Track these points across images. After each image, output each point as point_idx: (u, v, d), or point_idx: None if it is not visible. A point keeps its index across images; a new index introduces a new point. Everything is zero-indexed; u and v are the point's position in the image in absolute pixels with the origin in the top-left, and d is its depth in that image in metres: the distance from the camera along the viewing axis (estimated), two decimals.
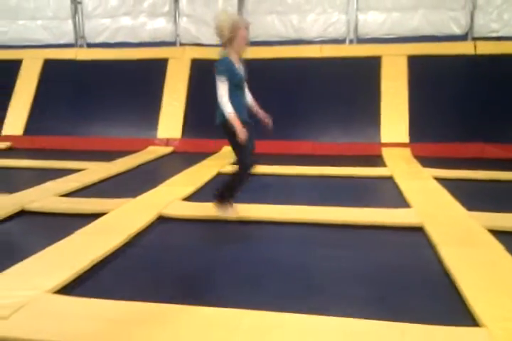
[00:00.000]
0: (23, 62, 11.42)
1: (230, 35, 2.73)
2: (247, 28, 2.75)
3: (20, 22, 11.93)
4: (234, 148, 2.84)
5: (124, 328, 2.73)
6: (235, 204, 2.88)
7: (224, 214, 2.82)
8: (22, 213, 5.20)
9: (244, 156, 2.81)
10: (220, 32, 2.73)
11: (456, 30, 10.30)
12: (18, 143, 10.27)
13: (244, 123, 2.86)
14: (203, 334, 2.67)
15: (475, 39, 10.14)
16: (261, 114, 2.95)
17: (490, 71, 9.39)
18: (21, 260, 3.65)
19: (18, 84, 11.18)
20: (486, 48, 9.80)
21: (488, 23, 10.17)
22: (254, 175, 2.83)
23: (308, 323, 2.77)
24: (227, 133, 2.84)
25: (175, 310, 2.92)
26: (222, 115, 2.79)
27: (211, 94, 10.32)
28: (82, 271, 3.54)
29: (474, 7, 10.14)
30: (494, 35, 10.17)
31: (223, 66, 2.74)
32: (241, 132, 2.70)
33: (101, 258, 3.80)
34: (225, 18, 2.71)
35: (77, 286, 3.36)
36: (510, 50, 9.61)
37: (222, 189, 2.83)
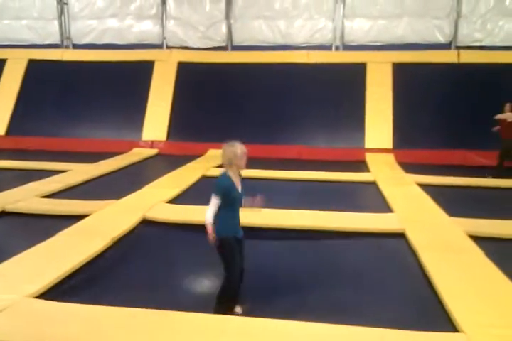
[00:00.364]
0: (7, 62, 11.30)
1: (231, 160, 3.05)
2: (245, 154, 3.07)
3: (5, 21, 11.82)
4: (224, 262, 3.03)
5: (105, 333, 2.71)
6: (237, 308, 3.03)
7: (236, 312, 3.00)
8: (3, 214, 5.13)
9: (233, 271, 3.00)
10: (223, 159, 3.06)
11: (441, 39, 10.45)
12: (0, 144, 10.14)
13: (235, 239, 3.06)
14: (188, 340, 2.66)
15: (458, 48, 10.30)
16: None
17: (473, 79, 9.53)
18: (2, 262, 3.61)
19: (1, 84, 11.06)
20: (469, 57, 9.96)
21: (472, 32, 10.34)
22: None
23: (289, 329, 2.77)
24: (217, 249, 3.05)
25: (158, 315, 2.90)
26: (218, 231, 3.02)
27: (197, 97, 10.33)
28: (64, 276, 3.50)
29: (458, 16, 10.30)
30: (477, 44, 10.34)
31: (221, 185, 2.98)
32: (210, 236, 2.94)
33: (83, 262, 3.76)
34: (227, 149, 3.03)
35: (58, 291, 3.32)
36: (492, 59, 9.78)
37: (219, 305, 3.00)
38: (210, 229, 3.07)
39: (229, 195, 3.10)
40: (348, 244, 4.49)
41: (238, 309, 3.09)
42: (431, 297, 3.29)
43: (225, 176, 3.15)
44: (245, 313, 2.97)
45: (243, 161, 3.19)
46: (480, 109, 7.86)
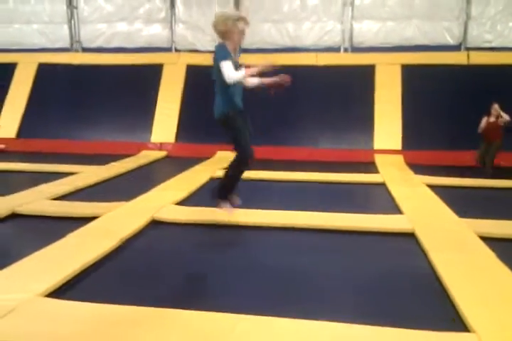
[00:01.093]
0: (18, 66, 11.43)
1: (225, 30, 2.80)
2: (243, 22, 2.81)
3: (16, 26, 11.95)
4: (234, 138, 2.88)
5: (115, 331, 2.71)
6: (234, 197, 2.92)
7: (223, 209, 2.86)
8: (14, 216, 5.17)
9: (245, 143, 2.85)
10: (215, 28, 2.82)
11: (450, 41, 10.41)
12: (11, 146, 10.26)
13: (239, 111, 2.90)
14: (196, 339, 2.66)
15: (468, 49, 10.25)
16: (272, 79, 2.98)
17: (482, 81, 9.47)
18: (12, 263, 3.63)
19: (13, 88, 11.18)
20: (479, 58, 9.92)
21: (481, 33, 10.29)
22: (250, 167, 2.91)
23: (298, 328, 2.76)
24: (226, 126, 2.88)
25: (167, 314, 2.90)
26: (221, 109, 2.83)
27: (205, 99, 10.37)
28: (74, 275, 3.52)
29: (468, 18, 10.26)
30: (487, 45, 10.29)
31: (224, 52, 2.78)
32: (265, 66, 2.74)
33: (92, 262, 3.78)
34: (220, 15, 2.80)
35: (68, 290, 3.33)
36: (503, 61, 9.73)
37: (222, 182, 2.86)
38: (254, 69, 2.79)
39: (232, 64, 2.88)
40: (357, 244, 4.47)
41: (237, 199, 2.95)
42: (441, 297, 3.26)
43: (223, 46, 2.89)
44: (257, 312, 2.95)
45: (242, 38, 2.90)
46: (490, 110, 7.83)
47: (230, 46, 2.84)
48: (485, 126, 7.81)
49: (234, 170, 2.88)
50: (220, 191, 2.83)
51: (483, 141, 7.91)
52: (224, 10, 10.93)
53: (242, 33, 2.81)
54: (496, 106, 7.78)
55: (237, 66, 2.90)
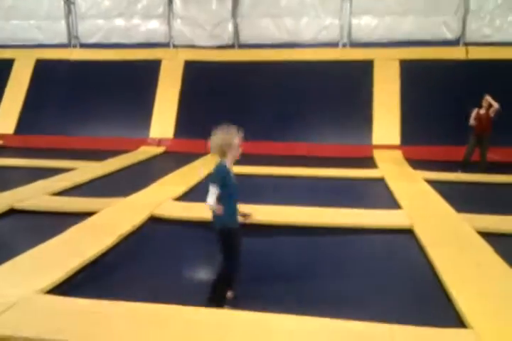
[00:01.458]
0: (16, 62, 11.39)
1: (226, 147, 2.91)
2: (239, 140, 2.93)
3: (13, 22, 11.89)
4: (227, 253, 2.96)
5: (113, 327, 2.72)
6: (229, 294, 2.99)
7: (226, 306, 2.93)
8: (12, 212, 5.17)
9: (235, 259, 2.96)
10: (215, 147, 2.93)
11: (449, 35, 10.37)
12: (9, 142, 10.24)
13: (236, 229, 3.00)
14: (198, 334, 2.66)
15: (467, 44, 10.23)
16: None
17: (481, 76, 9.45)
18: (11, 259, 3.63)
19: (10, 84, 11.14)
20: (477, 53, 9.90)
21: (480, 28, 10.25)
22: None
23: (300, 324, 2.78)
24: (223, 238, 2.96)
25: (166, 310, 2.92)
26: (225, 221, 2.92)
27: (204, 95, 10.33)
28: (73, 271, 3.53)
29: (466, 12, 10.22)
30: (486, 40, 10.26)
31: (221, 174, 2.87)
32: (217, 210, 2.86)
33: (92, 258, 3.78)
34: (219, 137, 2.91)
35: (67, 286, 3.34)
36: (501, 55, 9.71)
37: (214, 295, 2.93)
38: (219, 208, 2.90)
39: (229, 184, 2.96)
40: (356, 240, 4.48)
41: (229, 294, 3.05)
42: (439, 293, 3.27)
43: (222, 166, 2.99)
44: (256, 308, 2.96)
45: (239, 151, 3.00)
46: (497, 110, 7.82)
47: (229, 161, 2.97)
48: (476, 118, 7.78)
49: (219, 282, 2.99)
50: (216, 301, 2.92)
51: (473, 135, 7.86)
52: (222, 8, 10.95)
53: (239, 147, 2.95)
54: (487, 97, 7.76)
55: (236, 188, 3.03)
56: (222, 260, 3.08)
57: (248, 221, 3.30)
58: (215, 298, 3.00)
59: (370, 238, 4.51)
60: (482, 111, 7.79)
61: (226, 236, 3.05)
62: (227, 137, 2.94)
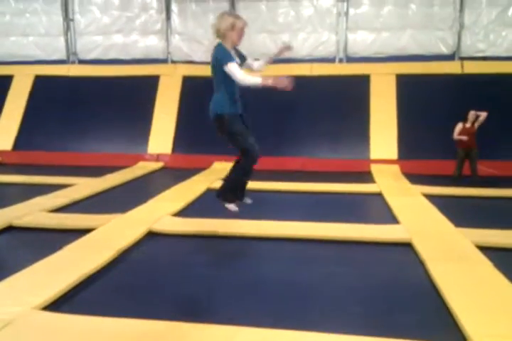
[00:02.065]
0: (14, 78, 11.45)
1: (225, 29, 2.85)
2: (242, 22, 2.87)
3: (12, 38, 11.99)
4: (233, 139, 2.83)
5: None
6: (246, 199, 2.87)
7: (231, 209, 2.81)
8: (10, 228, 5.16)
9: (247, 141, 2.81)
10: (214, 27, 2.89)
11: (444, 50, 10.49)
12: (7, 158, 10.24)
13: (237, 115, 2.88)
14: None
15: (462, 59, 10.35)
16: (272, 56, 3.01)
17: (477, 90, 9.54)
18: (9, 276, 3.61)
19: (9, 100, 11.19)
20: (472, 68, 10.01)
21: (474, 43, 10.39)
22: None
23: (295, 339, 2.75)
24: (223, 126, 2.84)
25: (165, 327, 2.89)
26: (217, 109, 2.81)
27: (202, 110, 10.37)
28: (70, 288, 3.51)
29: (461, 27, 10.36)
30: (481, 55, 10.39)
31: (226, 53, 2.79)
32: (285, 83, 2.73)
33: (89, 275, 3.77)
34: (219, 14, 2.87)
35: (64, 303, 3.32)
36: (496, 70, 9.82)
37: (228, 183, 2.81)
38: (269, 80, 2.76)
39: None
40: (354, 254, 4.47)
41: (248, 200, 2.91)
42: (439, 307, 3.26)
43: (222, 46, 2.90)
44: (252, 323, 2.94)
45: (241, 37, 2.91)
46: (485, 119, 7.88)
47: (228, 46, 2.89)
48: (462, 132, 7.84)
49: (238, 172, 2.85)
50: (224, 194, 2.80)
51: (460, 148, 7.91)
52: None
53: (241, 31, 2.87)
54: (472, 112, 7.86)
55: (240, 64, 2.95)
56: (239, 148, 2.89)
57: (287, 51, 3.11)
58: (231, 191, 2.85)
59: (368, 252, 4.51)
60: (468, 125, 7.85)
61: (222, 123, 2.89)
62: (228, 20, 2.86)
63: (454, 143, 8.02)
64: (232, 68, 2.69)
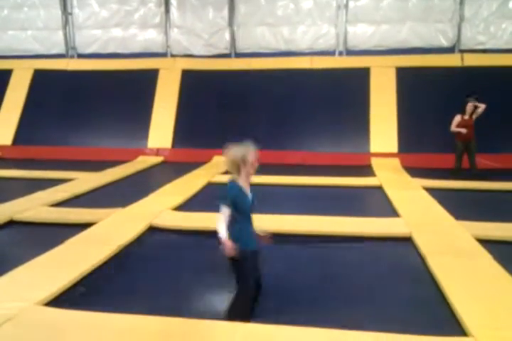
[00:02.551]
0: (13, 73, 11.41)
1: (239, 167, 2.77)
2: (254, 155, 2.79)
3: (10, 32, 11.94)
4: (240, 276, 2.80)
5: (113, 339, 2.71)
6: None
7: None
8: (11, 223, 5.17)
9: (249, 284, 2.77)
10: (228, 163, 2.81)
11: (444, 43, 10.45)
12: (7, 153, 10.23)
13: (253, 252, 2.83)
14: None
15: (462, 51, 10.31)
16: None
17: (477, 82, 9.50)
18: (10, 270, 3.63)
19: (8, 94, 11.16)
20: (472, 60, 9.97)
21: (475, 35, 10.35)
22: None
23: (298, 335, 2.78)
24: (235, 261, 2.79)
25: (165, 322, 2.91)
26: (241, 244, 2.75)
27: (201, 104, 10.35)
28: (72, 283, 3.52)
29: (461, 20, 10.31)
30: (481, 47, 10.35)
31: (231, 193, 2.71)
32: (228, 249, 2.70)
33: (91, 269, 3.78)
34: (232, 152, 2.78)
35: (66, 298, 3.33)
36: (496, 62, 9.79)
37: (230, 314, 2.80)
38: (228, 242, 2.73)
39: (242, 204, 2.81)
40: (355, 248, 4.48)
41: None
42: (439, 301, 3.28)
43: (233, 184, 2.85)
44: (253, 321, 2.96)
45: (254, 168, 2.87)
46: (485, 111, 7.86)
47: (242, 179, 2.81)
48: (460, 124, 7.77)
49: (233, 309, 2.82)
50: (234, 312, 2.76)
51: (459, 141, 7.81)
52: (218, 17, 11.01)
53: (254, 164, 2.79)
54: (470, 104, 7.76)
55: (250, 207, 2.87)
56: (237, 286, 2.91)
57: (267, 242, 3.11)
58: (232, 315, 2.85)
59: (368, 246, 4.52)
60: (466, 117, 7.79)
61: (238, 260, 2.84)
62: (241, 153, 2.80)
63: (452, 135, 7.96)
64: (222, 211, 2.70)
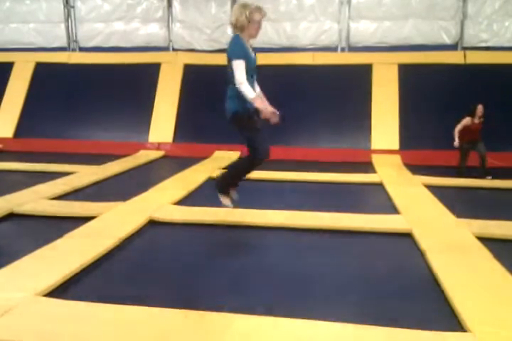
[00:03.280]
0: (15, 65, 11.40)
1: (242, 21, 2.71)
2: (260, 13, 2.73)
3: (12, 25, 11.92)
4: (249, 138, 2.74)
5: (115, 331, 2.72)
6: (232, 192, 2.78)
7: (224, 203, 2.73)
8: (11, 216, 5.17)
9: (262, 142, 2.73)
10: (231, 18, 2.75)
11: (447, 40, 10.44)
12: (8, 146, 10.23)
13: (255, 110, 2.77)
14: (193, 338, 2.67)
15: (465, 49, 10.29)
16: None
17: (479, 80, 9.51)
18: (11, 263, 3.63)
19: (9, 87, 11.15)
20: (475, 58, 9.95)
21: (477, 33, 10.34)
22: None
23: (297, 327, 2.77)
24: (239, 125, 2.73)
25: (165, 314, 2.91)
26: (235, 107, 2.68)
27: (203, 98, 10.33)
28: (72, 274, 3.53)
29: (464, 17, 10.29)
30: (484, 45, 10.34)
31: (239, 48, 2.64)
32: (269, 113, 2.63)
33: (91, 262, 3.79)
34: (237, 6, 2.72)
35: (66, 289, 3.34)
36: (499, 60, 9.77)
37: (225, 174, 2.74)
38: (262, 104, 2.63)
39: (248, 62, 2.72)
40: (354, 244, 4.49)
41: (235, 194, 2.83)
42: (439, 297, 3.28)
43: (239, 38, 2.76)
44: (248, 311, 2.96)
45: (258, 30, 2.78)
46: (487, 109, 7.85)
47: (245, 38, 2.76)
48: (469, 128, 7.61)
49: (242, 166, 2.76)
50: (220, 184, 2.72)
51: (464, 142, 7.61)
52: (221, 12, 10.98)
53: (258, 24, 2.73)
54: (480, 106, 7.63)
55: (255, 64, 2.79)
56: (250, 147, 2.81)
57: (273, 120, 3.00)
58: (226, 176, 2.80)
59: (368, 243, 4.52)
60: (476, 120, 7.63)
61: (241, 121, 2.78)
62: (248, 12, 2.72)
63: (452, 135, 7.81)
64: (238, 66, 2.56)
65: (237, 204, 2.79)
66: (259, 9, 2.70)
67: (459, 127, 7.68)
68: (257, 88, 2.98)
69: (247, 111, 2.73)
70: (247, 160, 2.82)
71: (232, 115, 2.71)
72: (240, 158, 2.72)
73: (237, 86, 2.65)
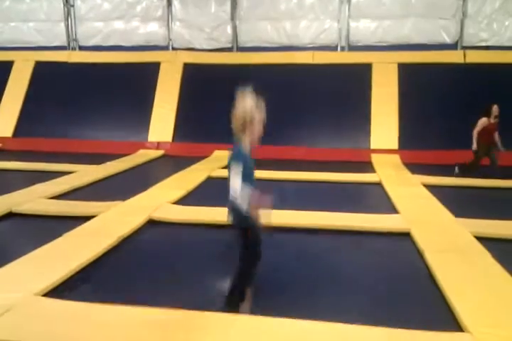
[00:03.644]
0: (15, 64, 11.39)
1: (245, 122, 2.59)
2: (260, 113, 2.63)
3: (12, 24, 11.92)
4: (247, 247, 2.69)
5: (113, 331, 2.72)
6: (247, 298, 2.74)
7: (241, 311, 2.66)
8: (10, 215, 5.17)
9: (256, 245, 2.69)
10: (235, 121, 2.63)
11: (447, 39, 10.43)
12: (7, 145, 10.22)
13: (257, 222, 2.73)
14: (193, 338, 2.67)
15: (465, 48, 10.29)
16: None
17: (479, 79, 9.50)
18: (9, 262, 3.63)
19: (9, 86, 11.14)
20: (475, 57, 9.95)
21: (477, 32, 10.33)
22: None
23: (297, 328, 2.78)
24: (243, 232, 2.65)
25: (165, 314, 2.91)
26: (239, 215, 2.56)
27: (202, 98, 10.31)
28: (71, 274, 3.53)
29: (464, 16, 10.28)
30: (483, 44, 10.33)
31: (242, 153, 2.50)
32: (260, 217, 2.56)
33: (90, 261, 3.79)
34: (239, 107, 2.60)
35: (65, 289, 3.34)
36: (498, 59, 9.77)
37: (232, 288, 2.70)
38: (253, 212, 2.53)
39: (246, 167, 2.56)
40: (353, 243, 4.49)
41: (246, 307, 2.86)
42: (436, 297, 3.28)
43: (241, 146, 2.63)
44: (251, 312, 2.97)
45: (260, 129, 2.64)
46: (490, 111, 7.82)
47: (246, 141, 2.65)
48: (487, 128, 7.41)
49: (245, 272, 2.67)
50: (232, 299, 2.65)
51: (482, 145, 7.37)
52: (220, 11, 10.97)
53: (260, 123, 2.64)
54: (496, 105, 7.49)
55: (253, 173, 2.70)
56: (242, 257, 2.78)
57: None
58: (233, 302, 2.81)
59: (367, 242, 4.52)
60: (492, 120, 7.45)
61: (245, 229, 2.71)
62: (247, 108, 2.58)
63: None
64: (236, 171, 2.45)
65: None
66: (259, 106, 2.60)
67: (477, 129, 7.47)
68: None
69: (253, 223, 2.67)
70: (247, 266, 2.76)
71: (242, 224, 2.62)
72: (238, 269, 2.66)
73: (230, 192, 2.56)
